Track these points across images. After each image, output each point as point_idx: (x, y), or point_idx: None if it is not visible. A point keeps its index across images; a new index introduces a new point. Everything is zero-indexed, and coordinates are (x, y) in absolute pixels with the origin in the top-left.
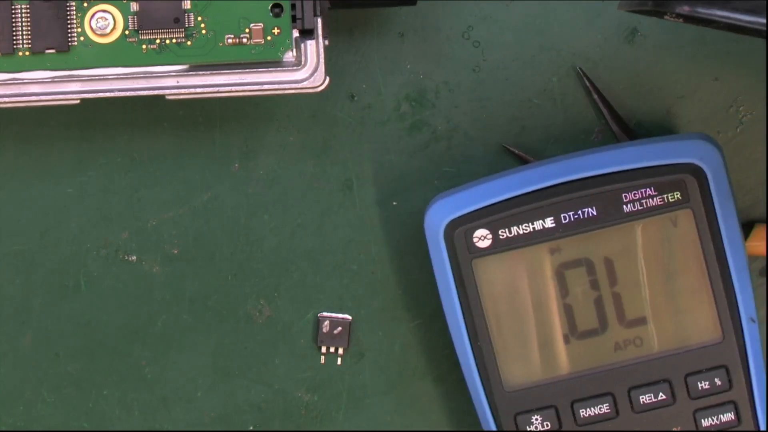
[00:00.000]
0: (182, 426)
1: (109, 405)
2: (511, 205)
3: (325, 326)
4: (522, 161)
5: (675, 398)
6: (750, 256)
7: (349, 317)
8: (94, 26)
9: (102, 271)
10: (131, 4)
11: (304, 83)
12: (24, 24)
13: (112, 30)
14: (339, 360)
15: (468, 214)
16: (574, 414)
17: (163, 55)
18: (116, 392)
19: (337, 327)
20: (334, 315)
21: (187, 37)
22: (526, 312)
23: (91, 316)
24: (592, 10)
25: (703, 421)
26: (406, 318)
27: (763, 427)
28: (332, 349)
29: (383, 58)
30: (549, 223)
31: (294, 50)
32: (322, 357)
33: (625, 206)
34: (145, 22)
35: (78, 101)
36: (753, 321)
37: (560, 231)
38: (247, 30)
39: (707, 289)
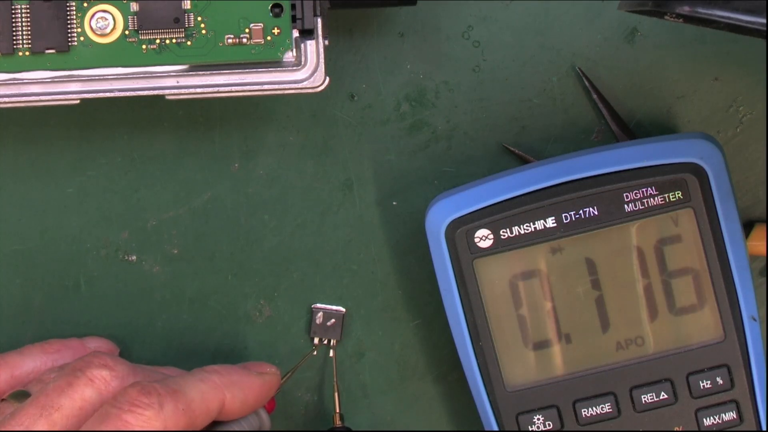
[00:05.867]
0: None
1: None
2: (513, 205)
3: (319, 317)
4: (522, 161)
5: (677, 398)
6: (750, 256)
7: (343, 309)
8: (94, 26)
9: (102, 271)
10: (131, 4)
11: (304, 83)
12: (24, 24)
13: (112, 30)
14: (331, 352)
15: (469, 214)
16: (575, 414)
17: (163, 55)
18: None
19: (331, 319)
20: (328, 306)
21: (187, 37)
22: (528, 312)
23: (91, 316)
24: (592, 10)
25: (704, 420)
26: (406, 318)
27: (764, 427)
28: (325, 341)
29: (383, 58)
30: (550, 222)
31: (294, 50)
32: (314, 350)
33: (626, 206)
34: (145, 22)
35: (78, 101)
36: (754, 320)
37: (561, 231)
38: (247, 30)
39: (708, 288)
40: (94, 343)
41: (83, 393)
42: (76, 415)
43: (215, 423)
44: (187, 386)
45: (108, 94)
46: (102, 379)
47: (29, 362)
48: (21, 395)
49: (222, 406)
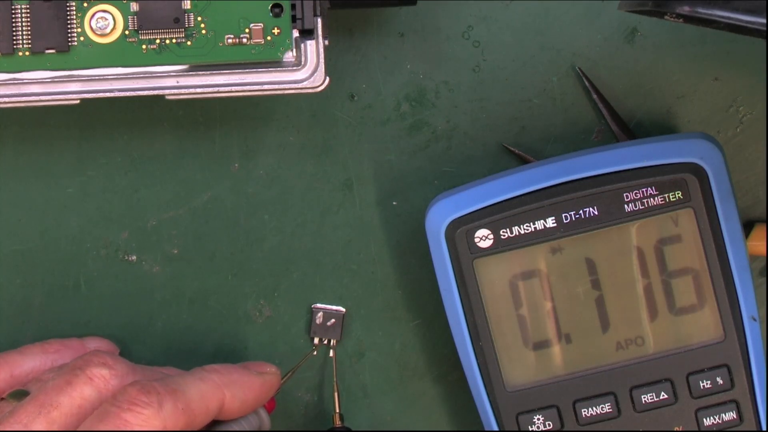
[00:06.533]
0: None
1: None
2: (513, 205)
3: (319, 317)
4: (522, 161)
5: (677, 398)
6: (750, 256)
7: (343, 309)
8: (94, 26)
9: (102, 271)
10: (131, 4)
11: (304, 83)
12: (24, 24)
13: (112, 30)
14: (331, 352)
15: (469, 214)
16: (576, 414)
17: (163, 55)
18: None
19: (331, 319)
20: (328, 306)
21: (187, 37)
22: (528, 312)
23: (91, 316)
24: (592, 10)
25: (704, 420)
26: (406, 318)
27: (764, 427)
28: (325, 341)
29: (383, 58)
30: (550, 222)
31: (294, 50)
32: (314, 350)
33: (626, 206)
34: (145, 22)
35: (78, 101)
36: (754, 320)
37: (561, 231)
38: (247, 30)
39: (708, 288)
40: (94, 343)
41: (82, 391)
42: (75, 413)
43: (215, 422)
44: (187, 385)
45: (108, 94)
46: (101, 377)
47: (29, 362)
48: (20, 394)
49: (222, 406)
